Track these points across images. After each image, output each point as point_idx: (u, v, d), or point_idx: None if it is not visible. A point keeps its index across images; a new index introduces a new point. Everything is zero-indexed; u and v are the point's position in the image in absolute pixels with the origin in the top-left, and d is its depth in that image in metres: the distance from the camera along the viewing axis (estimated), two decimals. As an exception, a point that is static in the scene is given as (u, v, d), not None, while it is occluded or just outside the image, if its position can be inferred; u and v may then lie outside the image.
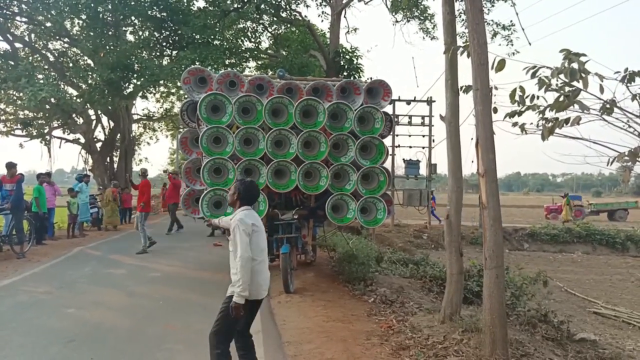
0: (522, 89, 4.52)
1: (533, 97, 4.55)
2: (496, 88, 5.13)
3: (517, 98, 4.56)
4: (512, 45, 20.93)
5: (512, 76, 5.14)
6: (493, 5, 20.20)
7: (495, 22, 20.89)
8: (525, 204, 51.48)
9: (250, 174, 8.12)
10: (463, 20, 18.87)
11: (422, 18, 21.52)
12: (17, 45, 20.80)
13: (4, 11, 18.22)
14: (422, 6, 20.90)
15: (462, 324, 5.62)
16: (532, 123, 4.78)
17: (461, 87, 5.73)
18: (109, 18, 20.15)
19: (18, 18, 19.82)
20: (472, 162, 5.06)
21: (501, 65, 4.50)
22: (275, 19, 20.84)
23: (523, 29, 8.61)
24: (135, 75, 18.88)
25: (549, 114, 4.56)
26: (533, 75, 4.35)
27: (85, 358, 4.80)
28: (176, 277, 8.91)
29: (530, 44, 8.87)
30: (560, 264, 18.46)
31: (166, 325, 5.90)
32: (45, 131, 22.43)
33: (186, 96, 9.02)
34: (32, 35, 21.20)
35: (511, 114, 4.77)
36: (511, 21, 20.95)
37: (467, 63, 5.02)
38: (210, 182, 7.90)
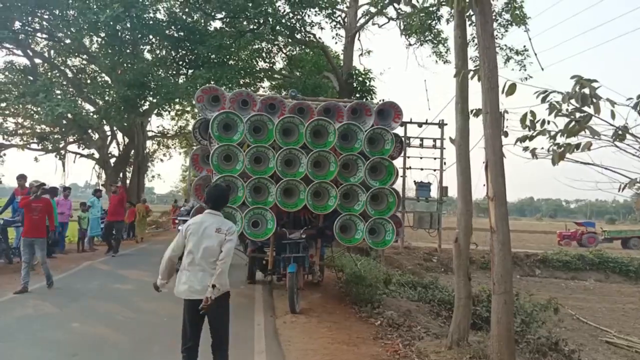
0: (532, 113, 4.51)
1: (544, 121, 4.54)
2: (507, 112, 5.14)
3: (527, 122, 4.55)
4: (525, 70, 20.96)
5: (523, 101, 5.15)
6: (507, 31, 20.32)
7: (509, 47, 20.97)
8: (537, 230, 50.83)
9: (260, 192, 8.14)
10: (476, 44, 18.97)
11: (435, 42, 21.67)
12: (37, 60, 21.32)
13: (25, 27, 18.69)
14: (435, 30, 21.05)
15: (470, 351, 5.52)
16: (542, 148, 4.77)
17: (471, 111, 5.73)
18: (127, 36, 20.58)
19: (39, 34, 20.32)
20: (484, 185, 5.03)
21: (512, 89, 4.51)
22: (290, 40, 21.13)
23: (536, 54, 8.69)
24: (151, 93, 19.20)
25: (560, 139, 4.54)
26: (544, 100, 4.35)
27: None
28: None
29: (542, 69, 8.88)
30: (572, 291, 18.13)
31: (170, 342, 5.86)
32: (61, 146, 22.80)
33: (199, 114, 9.12)
34: (52, 52, 21.70)
35: (522, 139, 4.75)
36: (524, 46, 21.01)
37: (479, 87, 5.03)
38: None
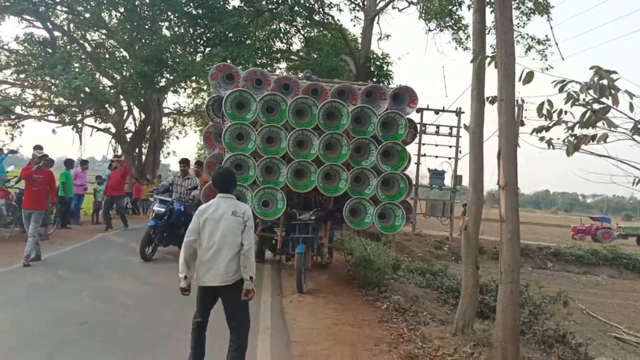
0: (550, 103, 4.42)
1: (561, 111, 4.44)
2: (524, 101, 5.04)
3: (544, 112, 4.46)
4: (545, 60, 20.52)
5: (542, 90, 5.03)
6: (529, 19, 19.87)
7: (531, 36, 20.53)
8: (552, 223, 50.35)
9: (271, 172, 8.15)
10: (494, 32, 18.62)
11: (455, 28, 21.30)
12: (56, 33, 21.40)
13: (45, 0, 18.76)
14: (456, 16, 20.68)
15: (474, 338, 5.52)
16: (559, 138, 4.68)
17: (487, 98, 5.63)
18: (145, 12, 20.57)
19: (59, 7, 20.38)
20: (497, 176, 4.96)
21: (529, 77, 4.41)
22: (308, 21, 20.94)
23: (557, 44, 8.44)
24: (168, 70, 19.22)
25: (577, 131, 4.45)
26: (561, 90, 4.26)
27: (95, 341, 4.88)
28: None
29: (563, 58, 8.83)
30: (583, 285, 17.97)
31: (177, 315, 5.95)
32: (78, 119, 22.99)
33: (213, 91, 9.12)
34: (71, 25, 21.76)
35: (539, 129, 4.66)
36: (546, 36, 20.57)
37: (496, 74, 4.94)
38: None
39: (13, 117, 20.22)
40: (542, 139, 4.70)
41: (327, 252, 9.46)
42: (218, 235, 4.08)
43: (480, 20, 5.77)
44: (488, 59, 4.95)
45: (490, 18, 8.59)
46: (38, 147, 11.48)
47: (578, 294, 15.53)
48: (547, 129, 4.59)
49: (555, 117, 4.49)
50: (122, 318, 5.72)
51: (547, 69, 20.45)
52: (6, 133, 20.59)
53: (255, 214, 8.09)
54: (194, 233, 4.14)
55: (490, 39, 9.56)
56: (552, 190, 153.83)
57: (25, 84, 20.92)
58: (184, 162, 10.51)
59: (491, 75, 7.86)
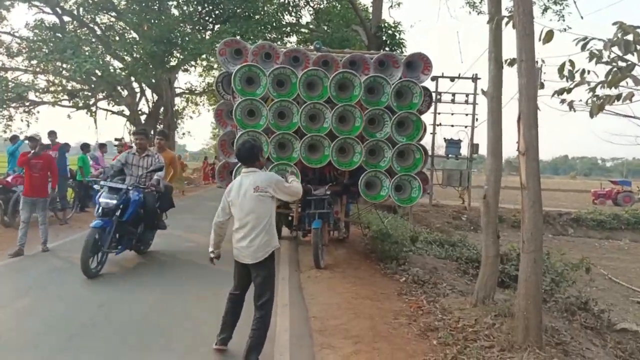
0: (571, 62, 4.20)
1: (583, 71, 4.23)
2: (543, 62, 4.81)
3: (566, 73, 4.24)
4: (563, 20, 19.84)
5: (561, 51, 4.80)
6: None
7: (547, -4, 19.80)
8: (571, 188, 49.56)
9: (284, 148, 8.04)
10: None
11: (469, -10, 20.65)
12: (66, 18, 21.33)
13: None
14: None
15: (495, 308, 5.42)
16: (580, 100, 4.47)
17: (505, 60, 5.40)
18: (153, -9, 20.32)
19: (67, -9, 20.25)
20: (517, 142, 4.78)
21: (549, 36, 4.18)
22: (317, -8, 20.49)
23: (575, 2, 8.03)
24: (177, 49, 19.06)
25: (600, 91, 4.24)
26: (583, 48, 4.04)
27: (114, 322, 4.89)
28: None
29: (582, 17, 8.28)
30: (605, 251, 17.70)
31: (196, 296, 5.96)
32: (91, 102, 23.08)
33: (222, 68, 8.97)
34: (80, 9, 21.64)
35: (559, 91, 4.45)
36: (563, -5, 19.83)
37: (513, 36, 4.71)
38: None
39: (27, 103, 20.35)
40: (563, 101, 4.51)
41: (343, 227, 9.39)
42: (244, 214, 4.06)
43: (495, -20, 5.50)
44: (505, 19, 4.71)
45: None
46: (52, 134, 11.56)
47: (600, 259, 15.30)
48: (569, 90, 4.39)
49: (577, 77, 4.28)
50: (139, 300, 5.73)
51: (564, 29, 19.75)
52: (22, 120, 20.77)
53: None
54: (223, 214, 4.18)
55: (505, 1, 9.20)
56: (571, 155, 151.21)
57: (37, 70, 20.98)
58: (141, 134, 7.89)
59: (508, 37, 7.57)
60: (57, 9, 20.50)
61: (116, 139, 14.60)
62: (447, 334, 4.84)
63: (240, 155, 4.24)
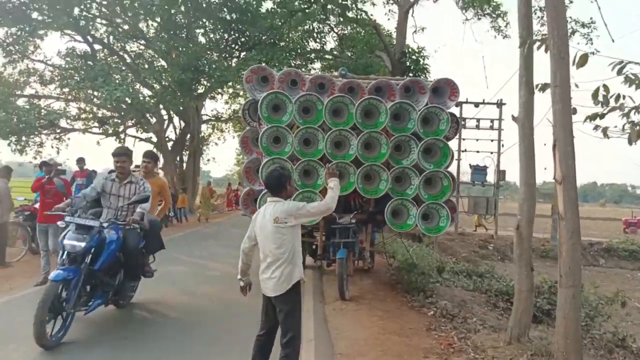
0: (606, 87, 4.01)
1: (619, 96, 4.03)
2: (576, 86, 4.63)
3: (600, 98, 4.06)
4: (591, 44, 19.53)
5: (593, 75, 4.63)
6: (571, 2, 18.96)
7: (574, 19, 19.58)
8: (601, 216, 48.07)
9: (309, 175, 7.94)
10: (538, 17, 17.85)
11: (494, 15, 20.59)
12: (97, 47, 22.00)
13: (84, 13, 19.28)
14: (494, 3, 19.98)
15: (531, 347, 5.11)
16: (616, 126, 4.26)
17: (536, 85, 5.23)
18: (181, 20, 20.84)
19: (98, 20, 20.92)
20: (545, 169, 4.58)
21: (583, 60, 4.03)
22: (341, 19, 20.70)
23: (605, 24, 7.79)
24: (204, 77, 19.39)
25: (635, 117, 4.04)
26: (620, 72, 3.86)
27: (135, 355, 4.77)
28: (233, 278, 8.82)
29: (613, 40, 8.05)
30: (638, 282, 16.94)
31: (219, 327, 5.82)
32: (120, 129, 23.55)
33: (248, 95, 8.99)
34: (111, 38, 22.32)
35: (592, 117, 4.25)
36: (591, 18, 19.57)
37: (542, 60, 4.57)
38: (268, 182, 7.80)
39: (58, 130, 20.88)
40: (596, 127, 4.30)
41: (368, 256, 9.15)
42: (266, 245, 3.96)
43: (526, 3, 5.37)
44: (537, 43, 4.56)
45: (533, 3, 8.12)
46: (81, 160, 11.75)
47: (634, 292, 14.58)
48: (602, 116, 4.19)
49: (612, 102, 4.09)
50: (162, 331, 5.63)
51: (593, 53, 19.40)
52: (52, 147, 21.29)
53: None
54: (248, 240, 4.10)
55: (533, 25, 9.01)
56: (600, 182, 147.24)
57: (69, 97, 21.59)
58: (122, 155, 5.96)
59: (539, 61, 7.39)
60: (88, 37, 21.17)
61: (136, 166, 14.52)
62: (481, 374, 4.56)
63: (268, 183, 4.15)
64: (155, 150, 25.05)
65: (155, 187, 6.55)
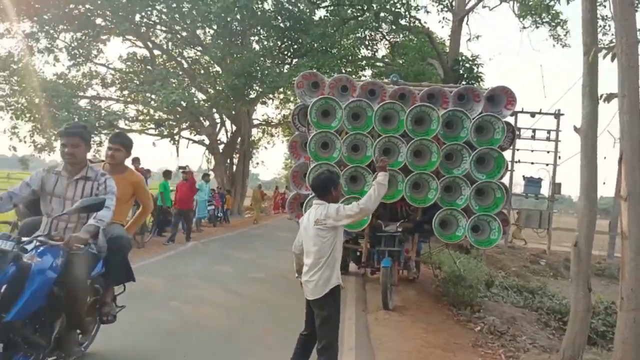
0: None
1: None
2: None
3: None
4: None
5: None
6: (637, 10, 18.00)
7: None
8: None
9: (356, 181, 7.88)
10: (600, 26, 17.06)
11: (553, 24, 19.85)
12: (156, 52, 22.85)
13: (145, 20, 20.07)
14: (553, 11, 19.27)
15: (586, 371, 4.83)
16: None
17: (601, 95, 4.96)
18: (236, 27, 21.32)
19: (158, 27, 21.73)
20: (604, 183, 4.32)
21: (654, 69, 3.79)
22: (393, 26, 20.55)
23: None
24: (257, 82, 19.73)
25: None
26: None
27: (179, 353, 4.85)
28: (277, 280, 8.93)
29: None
30: None
31: (264, 329, 5.84)
32: (175, 131, 24.29)
33: (299, 100, 9.05)
34: (170, 44, 23.13)
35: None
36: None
37: (607, 69, 4.33)
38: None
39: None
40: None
41: (414, 266, 8.97)
42: (307, 247, 3.95)
43: (590, 9, 5.10)
44: (603, 51, 4.33)
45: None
46: (136, 160, 12.16)
47: None
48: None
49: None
50: (207, 329, 5.69)
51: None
52: (109, 147, 22.14)
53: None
54: (298, 243, 4.12)
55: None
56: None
57: (128, 100, 22.48)
58: (72, 135, 3.78)
59: (602, 70, 7.03)
60: (148, 43, 22.01)
61: (180, 167, 14.06)
62: (530, 396, 4.34)
63: (314, 185, 4.13)
64: (207, 152, 25.88)
65: (125, 185, 4.44)
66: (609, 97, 4.73)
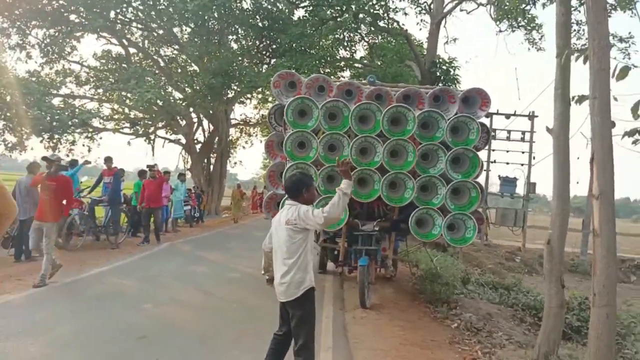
0: (646, 102, 3.84)
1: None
2: (615, 99, 4.45)
3: (640, 112, 3.89)
4: (629, 58, 18.99)
5: (630, 89, 4.48)
6: (610, 16, 18.48)
7: (612, 33, 19.08)
8: (633, 233, 46.43)
9: (333, 181, 7.87)
10: (575, 30, 17.46)
11: (528, 28, 20.21)
12: (132, 50, 22.48)
13: (120, 17, 19.72)
14: (529, 15, 19.62)
15: (560, 366, 4.91)
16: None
17: (573, 97, 5.05)
18: (214, 26, 21.12)
19: (134, 24, 21.39)
20: (577, 182, 4.40)
21: (624, 73, 3.90)
22: (372, 28, 20.63)
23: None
24: (235, 82, 19.58)
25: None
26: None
27: (151, 356, 4.75)
28: (253, 280, 8.85)
29: (657, 53, 7.79)
30: (672, 300, 16.25)
31: (239, 330, 5.77)
32: (150, 130, 23.93)
33: (275, 99, 8.99)
34: (146, 42, 22.77)
35: (631, 132, 4.09)
36: (629, 32, 19.05)
37: (578, 72, 4.41)
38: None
39: (91, 130, 21.35)
40: (635, 141, 4.13)
41: (391, 265, 9.01)
42: (278, 247, 3.91)
43: (565, 12, 5.20)
44: (576, 54, 4.40)
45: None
46: (108, 159, 11.95)
47: (669, 311, 14.01)
48: (642, 130, 4.01)
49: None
50: (181, 332, 5.60)
51: (634, 66, 18.87)
52: (83, 145, 21.74)
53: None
54: (269, 241, 4.13)
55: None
56: (633, 198, 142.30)
57: (103, 98, 22.07)
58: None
59: (574, 72, 7.17)
60: (124, 40, 21.65)
61: (148, 166, 13.40)
62: (505, 392, 4.39)
63: (286, 187, 4.10)
64: (183, 152, 25.58)
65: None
66: (581, 99, 4.81)
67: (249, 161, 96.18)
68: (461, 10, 20.54)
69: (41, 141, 18.65)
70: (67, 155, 19.79)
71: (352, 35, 21.88)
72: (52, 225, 7.29)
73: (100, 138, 23.10)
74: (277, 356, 4.00)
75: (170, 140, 25.49)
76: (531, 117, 18.30)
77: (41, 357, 4.49)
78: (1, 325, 5.35)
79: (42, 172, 7.67)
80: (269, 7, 20.61)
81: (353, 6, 17.91)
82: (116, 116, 23.37)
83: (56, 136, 18.90)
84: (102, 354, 4.70)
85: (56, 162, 7.70)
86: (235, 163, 33.54)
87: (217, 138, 25.85)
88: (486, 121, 9.62)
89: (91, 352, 4.71)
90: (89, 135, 21.71)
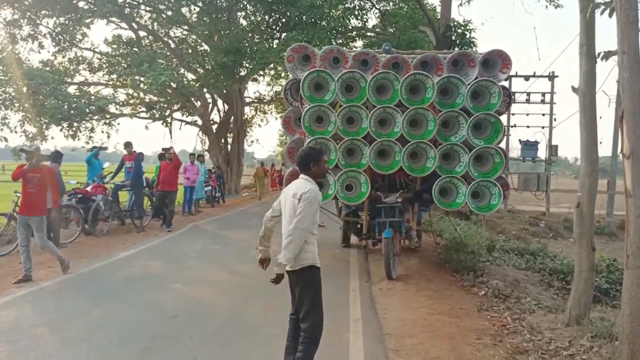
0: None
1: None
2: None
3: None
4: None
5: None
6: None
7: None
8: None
9: (353, 154, 7.81)
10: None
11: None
12: (142, 33, 22.38)
13: (128, 0, 19.59)
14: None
15: (592, 329, 4.86)
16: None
17: (598, 54, 4.86)
18: (222, 3, 20.86)
19: (142, 7, 21.25)
20: (600, 142, 4.25)
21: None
22: (383, -6, 20.16)
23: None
24: (246, 59, 19.41)
25: None
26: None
27: (185, 335, 4.84)
28: (276, 256, 8.90)
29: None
30: None
31: (265, 307, 5.84)
32: (166, 113, 23.97)
33: (290, 74, 8.88)
34: (155, 24, 22.64)
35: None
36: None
37: (604, 28, 4.21)
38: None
39: (108, 116, 21.49)
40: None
41: (415, 236, 8.98)
42: (285, 218, 3.90)
43: (587, -37, 4.96)
44: (602, 7, 4.21)
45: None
46: (128, 144, 12.03)
47: None
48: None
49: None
50: (210, 310, 5.68)
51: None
52: (102, 131, 21.95)
53: (339, 198, 7.84)
54: (272, 210, 4.08)
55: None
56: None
57: (117, 83, 22.13)
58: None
59: (600, 28, 6.90)
60: (133, 24, 21.54)
61: (163, 149, 12.95)
62: (538, 357, 4.37)
63: (297, 162, 4.08)
64: (200, 133, 25.60)
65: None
66: (607, 55, 4.63)
67: (265, 139, 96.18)
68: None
69: (61, 130, 18.87)
70: (87, 143, 20.01)
71: (362, 3, 21.44)
72: (40, 219, 6.99)
73: (118, 124, 23.29)
74: (297, 338, 3.94)
75: (187, 122, 25.54)
76: (551, 77, 17.84)
77: (78, 341, 4.59)
78: (37, 311, 5.49)
79: (21, 164, 7.21)
80: (277, -21, 20.23)
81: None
82: (132, 101, 23.44)
83: (75, 124, 19.10)
84: (139, 336, 4.80)
85: (36, 152, 7.26)
86: (252, 142, 33.58)
87: (232, 117, 25.81)
88: (505, 84, 9.39)
89: (127, 335, 4.80)
90: (107, 121, 21.88)
